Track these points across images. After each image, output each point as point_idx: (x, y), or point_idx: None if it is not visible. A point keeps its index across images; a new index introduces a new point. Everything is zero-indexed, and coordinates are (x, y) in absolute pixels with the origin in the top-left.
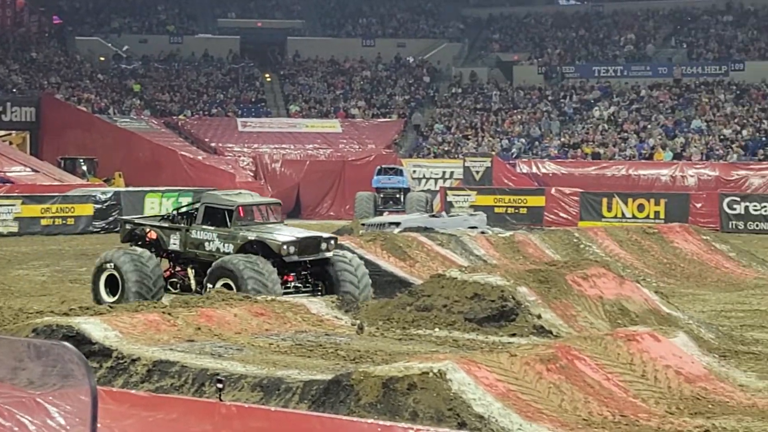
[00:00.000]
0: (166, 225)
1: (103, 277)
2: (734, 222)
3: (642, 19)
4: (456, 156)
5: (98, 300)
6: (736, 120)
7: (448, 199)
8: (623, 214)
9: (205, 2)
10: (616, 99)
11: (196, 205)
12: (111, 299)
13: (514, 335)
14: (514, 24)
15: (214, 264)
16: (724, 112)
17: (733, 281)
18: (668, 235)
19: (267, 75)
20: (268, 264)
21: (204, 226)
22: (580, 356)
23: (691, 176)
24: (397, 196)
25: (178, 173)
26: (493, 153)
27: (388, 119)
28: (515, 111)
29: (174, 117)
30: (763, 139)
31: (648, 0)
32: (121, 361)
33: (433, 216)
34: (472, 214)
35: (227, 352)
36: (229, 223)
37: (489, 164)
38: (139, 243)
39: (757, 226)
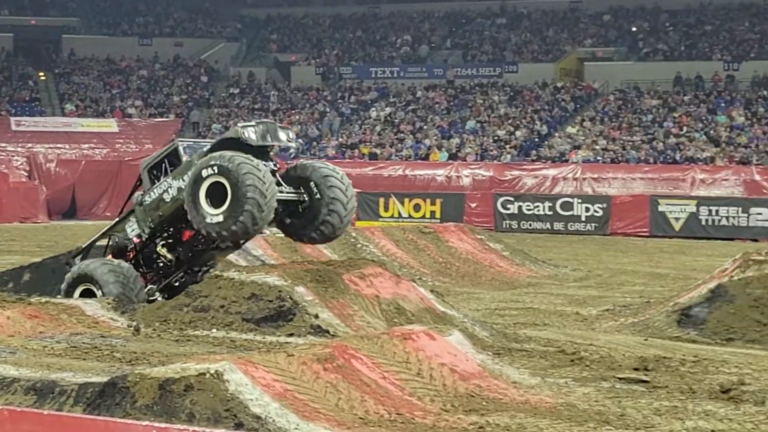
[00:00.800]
0: (116, 221)
1: (76, 294)
2: (508, 221)
3: (418, 21)
4: None
5: None
6: (509, 121)
7: None
8: (400, 213)
9: None
10: (392, 100)
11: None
12: None
13: (291, 335)
14: (292, 24)
15: (193, 170)
16: (498, 114)
17: (507, 280)
18: (444, 234)
19: (41, 73)
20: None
21: (153, 186)
22: (356, 355)
23: (466, 176)
24: None
25: None
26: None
27: (166, 119)
28: (293, 111)
29: None
30: (536, 140)
31: (424, 2)
32: None
33: None
34: None
35: None
36: (179, 163)
37: None
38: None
39: (530, 225)
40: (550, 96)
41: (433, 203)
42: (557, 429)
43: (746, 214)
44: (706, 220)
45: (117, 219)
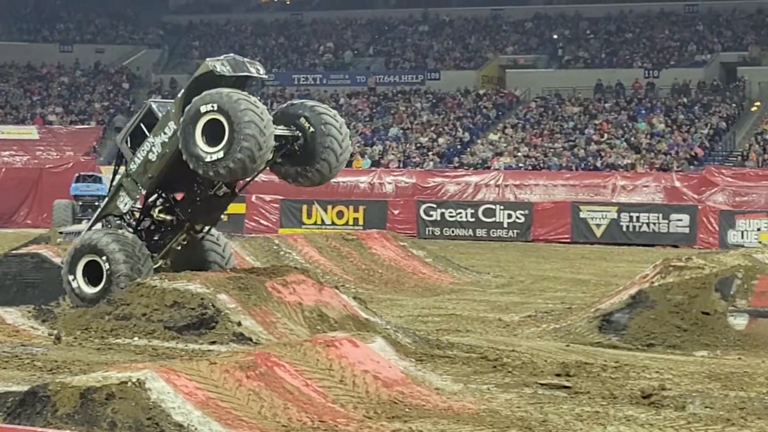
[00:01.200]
0: (105, 203)
1: (80, 266)
2: (431, 228)
3: (340, 28)
4: None
5: (78, 295)
6: (432, 128)
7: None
8: (323, 221)
9: None
10: None
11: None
12: (93, 290)
13: (214, 343)
14: (214, 31)
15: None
16: (420, 121)
17: (430, 286)
18: (367, 241)
19: None
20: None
21: (135, 152)
22: (279, 363)
23: (389, 183)
24: (97, 203)
25: None
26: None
27: (87, 126)
28: None
29: None
30: (459, 146)
31: (346, 10)
32: None
33: None
34: None
35: None
36: (155, 122)
37: None
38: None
39: (452, 232)
40: (473, 103)
41: (356, 210)
42: None
43: (666, 221)
44: (627, 227)
45: (106, 200)
